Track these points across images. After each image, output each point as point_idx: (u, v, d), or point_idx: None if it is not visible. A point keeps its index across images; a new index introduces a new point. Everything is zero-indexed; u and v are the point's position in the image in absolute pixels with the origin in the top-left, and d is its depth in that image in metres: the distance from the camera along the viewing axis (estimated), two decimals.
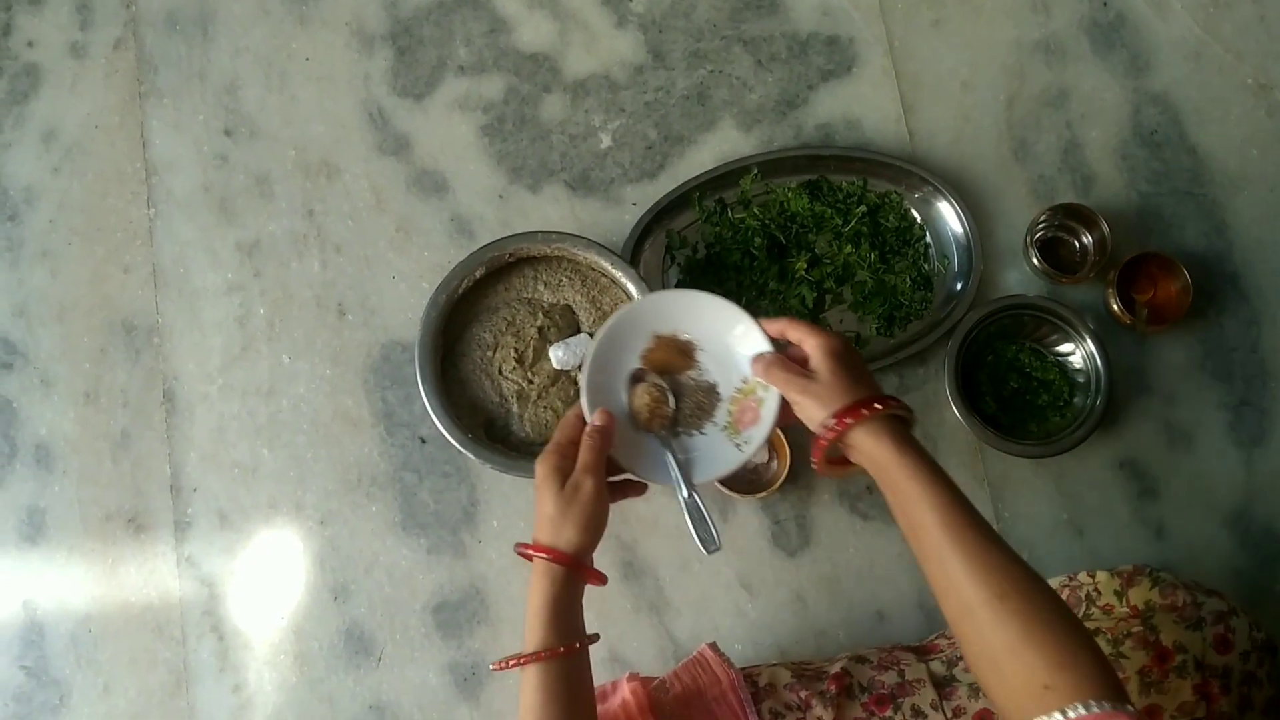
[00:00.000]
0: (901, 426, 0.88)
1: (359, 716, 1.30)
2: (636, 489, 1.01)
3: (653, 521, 1.34)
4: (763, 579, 1.33)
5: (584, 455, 0.94)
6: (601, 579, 0.96)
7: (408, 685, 1.31)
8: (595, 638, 0.94)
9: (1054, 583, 1.15)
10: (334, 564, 1.34)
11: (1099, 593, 1.12)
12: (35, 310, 1.41)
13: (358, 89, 1.46)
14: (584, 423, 0.97)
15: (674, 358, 1.02)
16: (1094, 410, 1.31)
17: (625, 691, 1.10)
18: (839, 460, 0.94)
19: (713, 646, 1.15)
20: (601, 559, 1.30)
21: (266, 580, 1.34)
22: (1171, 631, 1.01)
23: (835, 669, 1.10)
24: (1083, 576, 1.14)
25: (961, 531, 0.82)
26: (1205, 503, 1.34)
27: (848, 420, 0.87)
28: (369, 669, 1.32)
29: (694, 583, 1.33)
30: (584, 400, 0.98)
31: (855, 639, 1.31)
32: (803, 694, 1.07)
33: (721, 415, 1.01)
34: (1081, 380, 1.34)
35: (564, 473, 0.93)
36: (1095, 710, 0.71)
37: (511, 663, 0.90)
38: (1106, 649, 1.01)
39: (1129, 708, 0.71)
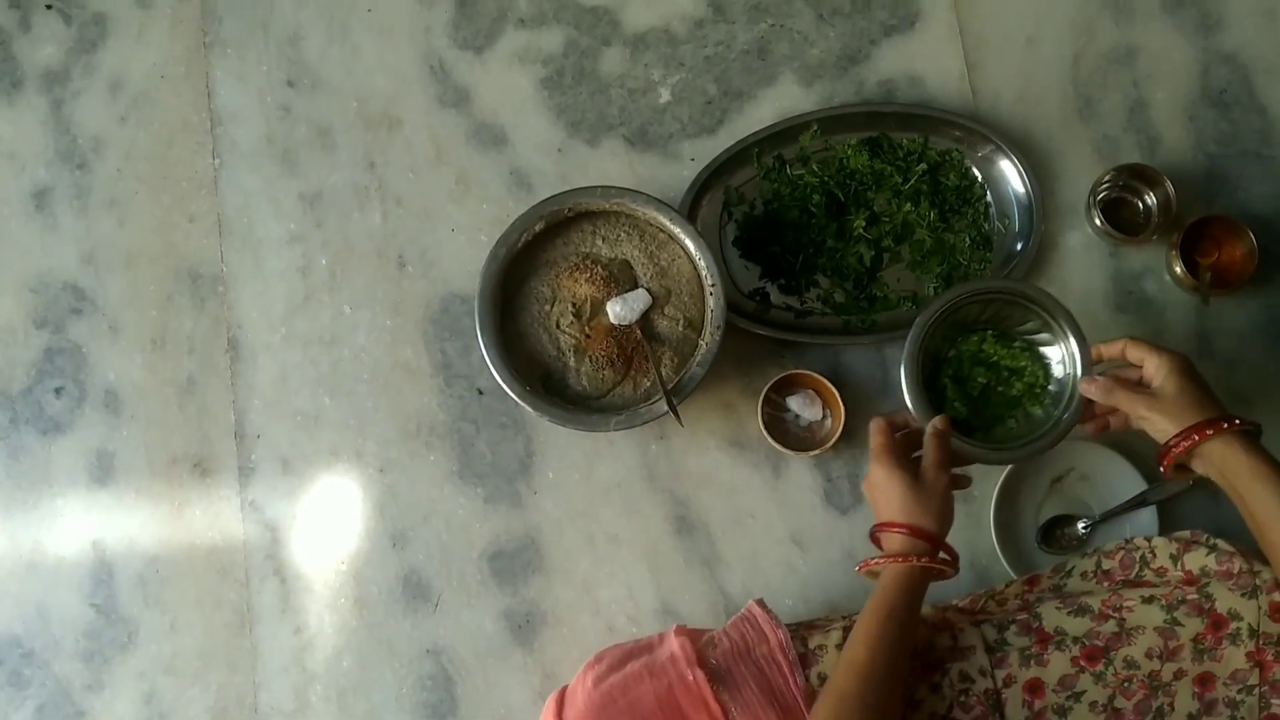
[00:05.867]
0: (1249, 438, 0.98)
1: (416, 660, 1.34)
2: (963, 482, 1.15)
3: (705, 477, 1.35)
4: (814, 536, 1.34)
5: (933, 454, 1.07)
6: (953, 559, 1.06)
7: (464, 631, 1.34)
8: None
9: (1109, 546, 1.15)
10: (393, 511, 1.37)
11: (1154, 555, 1.11)
12: (103, 258, 1.44)
13: (419, 41, 1.46)
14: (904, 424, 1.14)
15: None
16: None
17: (674, 645, 1.11)
18: (1182, 467, 1.03)
19: (760, 603, 1.15)
20: (654, 513, 1.34)
21: (327, 526, 1.37)
22: (1226, 599, 1.00)
23: None
24: (1139, 540, 1.14)
25: None
26: None
27: (1205, 433, 0.97)
28: (426, 614, 1.35)
29: (746, 538, 1.34)
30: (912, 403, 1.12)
31: None
32: None
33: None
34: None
35: (904, 466, 1.06)
36: None
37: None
38: (1161, 615, 1.01)
39: None
